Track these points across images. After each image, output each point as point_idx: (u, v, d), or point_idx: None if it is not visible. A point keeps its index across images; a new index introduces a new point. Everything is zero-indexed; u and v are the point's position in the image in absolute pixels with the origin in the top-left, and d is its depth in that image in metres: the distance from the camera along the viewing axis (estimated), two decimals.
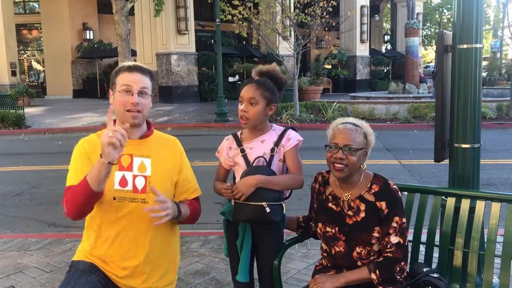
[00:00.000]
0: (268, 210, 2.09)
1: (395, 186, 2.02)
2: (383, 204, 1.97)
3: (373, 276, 1.93)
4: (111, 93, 2.06)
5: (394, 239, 1.95)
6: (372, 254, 2.00)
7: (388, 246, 1.95)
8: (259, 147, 2.25)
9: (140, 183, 2.00)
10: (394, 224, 1.95)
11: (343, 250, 2.04)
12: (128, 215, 1.98)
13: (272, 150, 2.23)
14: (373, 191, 2.00)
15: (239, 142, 2.30)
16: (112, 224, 1.98)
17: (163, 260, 2.10)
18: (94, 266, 2.00)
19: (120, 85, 1.99)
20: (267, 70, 2.29)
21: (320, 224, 2.11)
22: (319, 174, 2.20)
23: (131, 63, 2.06)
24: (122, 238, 1.99)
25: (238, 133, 2.37)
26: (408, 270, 2.10)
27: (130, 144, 2.02)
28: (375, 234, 1.98)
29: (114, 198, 1.96)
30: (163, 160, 2.08)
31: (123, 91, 1.98)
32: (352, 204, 2.02)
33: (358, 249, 2.01)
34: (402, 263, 1.95)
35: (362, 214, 1.99)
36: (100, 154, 1.77)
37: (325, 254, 2.13)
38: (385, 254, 1.96)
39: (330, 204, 2.09)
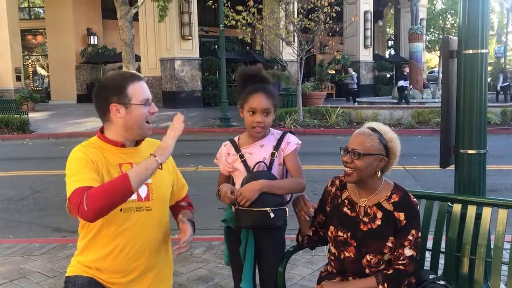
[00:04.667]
0: (272, 215, 2.07)
1: (415, 200, 2.01)
2: (401, 215, 1.95)
3: None
4: (118, 107, 1.93)
5: (408, 251, 1.93)
6: (381, 263, 1.98)
7: (401, 258, 1.93)
8: (258, 152, 2.24)
9: (143, 191, 1.97)
10: (410, 237, 1.94)
11: (352, 256, 2.01)
12: (134, 225, 1.95)
13: (272, 154, 2.21)
14: (392, 200, 1.98)
15: (237, 148, 2.28)
16: (118, 235, 1.93)
17: (164, 265, 2.09)
18: (94, 281, 1.94)
19: (140, 98, 1.95)
20: (253, 75, 2.27)
21: (332, 227, 2.09)
22: (336, 178, 2.17)
23: (133, 72, 2.06)
24: (129, 248, 1.95)
25: (236, 139, 2.33)
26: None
27: (127, 152, 2.00)
28: (389, 244, 1.96)
29: (121, 210, 1.91)
30: None
31: (142, 104, 1.96)
32: (369, 210, 2.00)
33: (368, 257, 1.98)
34: (411, 277, 1.93)
35: (378, 222, 1.97)
36: (154, 154, 1.80)
37: (332, 258, 2.11)
38: (396, 266, 1.94)
39: (345, 209, 2.06)
